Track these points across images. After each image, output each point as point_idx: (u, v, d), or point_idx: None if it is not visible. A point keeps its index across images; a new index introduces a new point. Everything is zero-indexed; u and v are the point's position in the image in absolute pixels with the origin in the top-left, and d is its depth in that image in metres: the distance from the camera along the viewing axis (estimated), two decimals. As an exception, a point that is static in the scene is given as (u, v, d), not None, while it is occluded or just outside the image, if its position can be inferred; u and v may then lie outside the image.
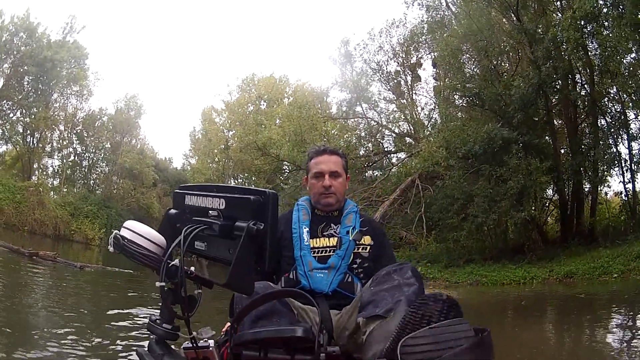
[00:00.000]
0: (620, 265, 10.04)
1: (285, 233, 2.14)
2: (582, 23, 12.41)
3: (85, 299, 8.28)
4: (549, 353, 5.03)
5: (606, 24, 12.74)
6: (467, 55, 17.12)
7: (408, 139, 21.40)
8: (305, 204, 2.23)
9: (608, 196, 16.65)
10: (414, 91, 22.89)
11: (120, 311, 6.65)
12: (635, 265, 9.78)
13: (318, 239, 2.11)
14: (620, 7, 11.87)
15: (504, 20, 15.61)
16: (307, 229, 2.12)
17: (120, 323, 5.93)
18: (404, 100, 22.66)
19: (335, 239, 2.09)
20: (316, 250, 2.07)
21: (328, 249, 2.07)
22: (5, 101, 26.50)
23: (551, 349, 5.24)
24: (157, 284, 1.23)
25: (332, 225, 2.15)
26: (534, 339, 5.82)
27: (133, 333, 5.33)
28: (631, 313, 7.01)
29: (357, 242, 2.09)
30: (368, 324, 1.51)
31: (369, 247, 2.12)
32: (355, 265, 2.05)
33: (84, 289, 9.75)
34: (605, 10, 12.47)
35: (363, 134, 22.55)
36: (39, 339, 4.68)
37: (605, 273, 10.06)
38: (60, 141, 29.81)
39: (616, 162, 14.32)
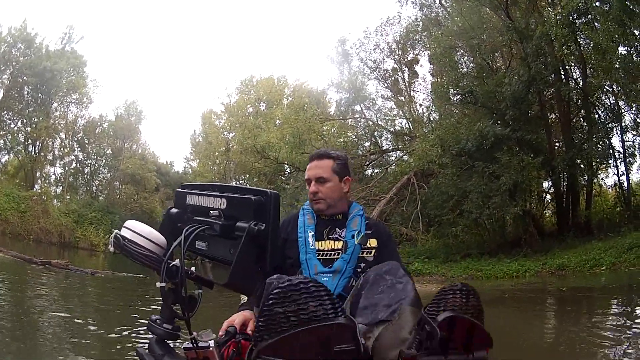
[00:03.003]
0: (611, 258, 10.23)
1: (291, 234, 2.13)
2: (573, 17, 12.49)
3: (92, 302, 8.54)
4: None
5: (598, 17, 12.76)
6: (461, 52, 17.22)
7: (406, 137, 21.46)
8: (310, 208, 2.20)
9: (604, 188, 16.84)
10: (412, 88, 22.97)
11: (124, 312, 6.89)
12: (626, 257, 9.96)
13: (323, 242, 2.09)
14: (607, 4, 11.91)
15: (495, 17, 15.69)
16: (313, 232, 2.10)
17: (123, 323, 6.11)
18: (402, 98, 22.73)
19: (341, 242, 2.08)
20: (321, 253, 2.06)
21: (333, 252, 2.06)
22: (5, 112, 26.73)
23: (511, 336, 5.40)
24: (158, 284, 1.23)
25: (336, 229, 2.13)
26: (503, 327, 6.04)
27: (134, 333, 5.46)
28: (605, 305, 7.25)
29: (363, 245, 2.07)
30: (372, 331, 1.36)
31: (373, 251, 2.10)
32: (359, 270, 2.02)
33: (93, 293, 10.09)
34: (597, 3, 12.49)
35: (361, 132, 22.69)
36: (44, 340, 4.86)
37: (596, 265, 10.26)
38: (62, 149, 30.04)
39: (610, 154, 14.46)
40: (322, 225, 2.14)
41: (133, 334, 5.37)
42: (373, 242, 2.11)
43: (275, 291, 1.09)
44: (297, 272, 2.02)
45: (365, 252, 2.07)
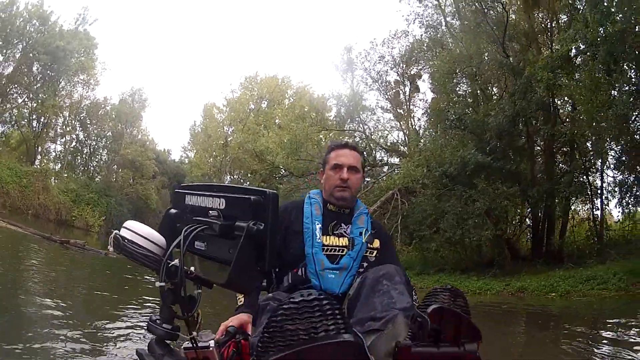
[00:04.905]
0: (567, 286, 10.96)
1: (294, 224, 2.08)
2: (562, 62, 12.91)
3: (98, 288, 8.90)
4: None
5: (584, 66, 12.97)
6: (460, 76, 17.54)
7: (400, 150, 21.79)
8: (317, 198, 2.16)
9: (581, 220, 17.47)
10: (411, 102, 23.30)
11: (127, 307, 7.12)
12: (581, 287, 10.69)
13: (329, 237, 2.05)
14: (596, 54, 12.22)
15: (494, 48, 16.16)
16: (320, 225, 2.06)
17: (124, 320, 6.19)
18: (401, 110, 23.15)
19: (345, 239, 2.06)
20: (326, 248, 2.02)
21: (338, 249, 2.03)
22: (13, 85, 27.07)
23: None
24: (157, 284, 1.23)
25: (342, 224, 2.10)
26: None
27: (135, 332, 5.45)
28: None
29: (369, 244, 2.07)
30: (365, 338, 1.31)
31: (375, 252, 2.09)
32: (361, 270, 1.99)
33: (104, 276, 10.74)
34: (587, 54, 12.70)
35: (357, 141, 23.12)
36: (41, 335, 4.72)
37: (552, 291, 11.03)
38: (64, 127, 30.44)
39: (585, 191, 15.13)
40: (328, 219, 2.11)
41: (134, 333, 5.37)
42: (376, 243, 2.11)
43: (286, 306, 1.04)
44: (301, 265, 2.01)
45: (368, 252, 2.07)
